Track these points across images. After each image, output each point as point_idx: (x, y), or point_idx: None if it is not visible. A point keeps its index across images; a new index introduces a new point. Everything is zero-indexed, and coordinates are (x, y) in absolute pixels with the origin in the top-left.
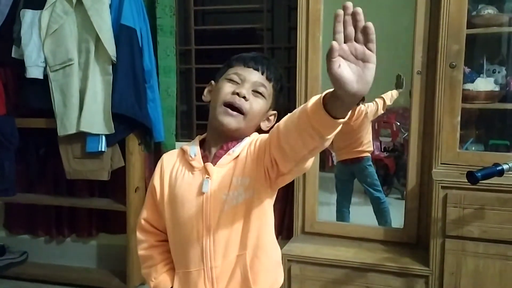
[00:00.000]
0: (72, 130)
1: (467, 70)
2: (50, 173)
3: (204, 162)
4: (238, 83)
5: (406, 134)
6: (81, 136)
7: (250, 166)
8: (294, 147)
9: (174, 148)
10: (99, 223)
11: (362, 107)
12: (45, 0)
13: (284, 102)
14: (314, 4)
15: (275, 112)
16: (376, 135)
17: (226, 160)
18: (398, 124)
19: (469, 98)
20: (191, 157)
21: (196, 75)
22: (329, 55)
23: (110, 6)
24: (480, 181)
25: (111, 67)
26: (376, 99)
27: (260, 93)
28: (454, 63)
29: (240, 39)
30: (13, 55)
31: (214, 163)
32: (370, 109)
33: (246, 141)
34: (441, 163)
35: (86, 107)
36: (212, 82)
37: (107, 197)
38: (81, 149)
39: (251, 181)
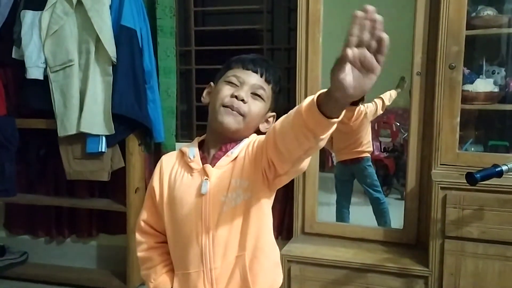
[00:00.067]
0: (72, 131)
1: (467, 71)
2: (50, 173)
3: (203, 164)
4: (237, 86)
5: (405, 135)
6: (81, 137)
7: (248, 168)
8: (289, 148)
9: (174, 148)
10: (99, 223)
11: (361, 107)
12: (45, 1)
13: (283, 103)
14: (314, 5)
15: (274, 113)
16: (375, 135)
17: (225, 162)
18: (398, 124)
19: (468, 99)
20: (190, 158)
21: (196, 76)
22: (341, 62)
23: (110, 7)
24: (480, 182)
25: (111, 68)
26: (375, 100)
27: (259, 96)
28: (453, 64)
29: (240, 40)
30: (13, 56)
31: (213, 165)
32: (370, 109)
33: (245, 142)
34: (440, 164)
35: (86, 108)
36: (211, 83)
37: (107, 197)
38: (81, 150)
39: (249, 182)
